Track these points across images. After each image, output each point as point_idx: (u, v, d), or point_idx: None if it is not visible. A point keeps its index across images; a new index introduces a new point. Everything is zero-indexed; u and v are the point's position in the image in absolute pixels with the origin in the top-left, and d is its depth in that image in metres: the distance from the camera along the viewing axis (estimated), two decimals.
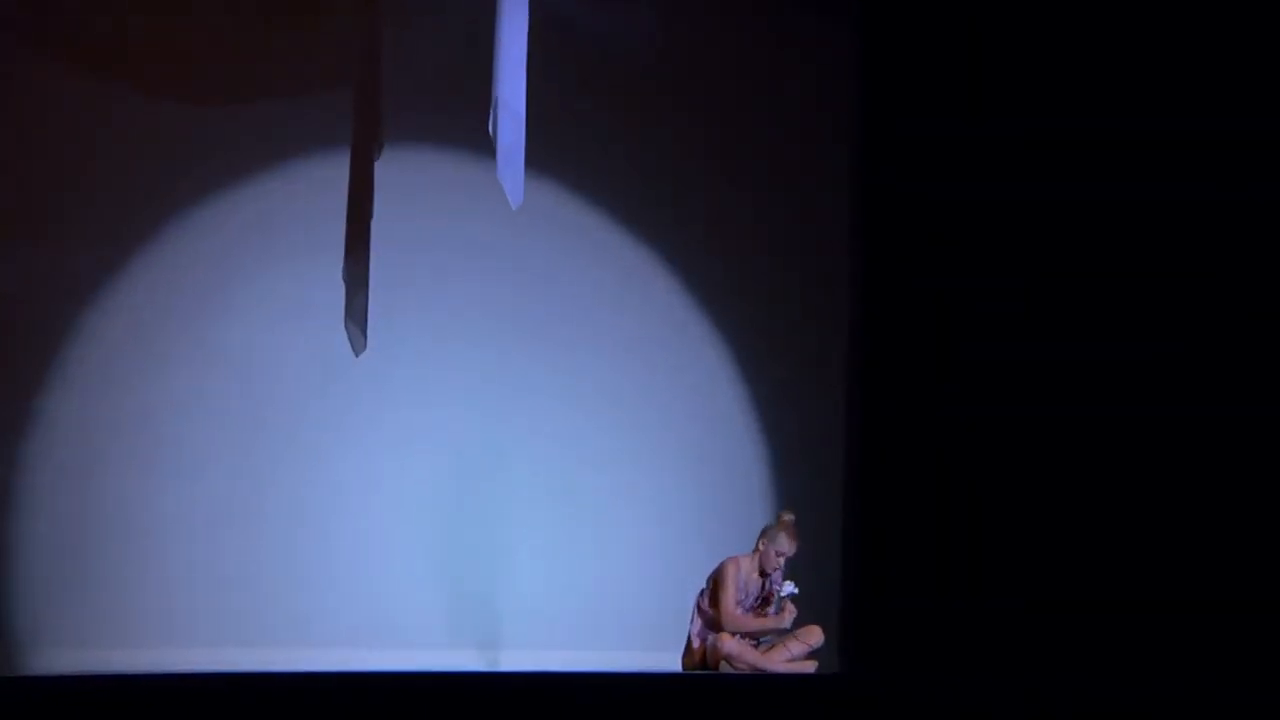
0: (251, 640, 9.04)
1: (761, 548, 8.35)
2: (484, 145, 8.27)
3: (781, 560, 8.33)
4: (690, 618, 8.47)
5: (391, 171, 9.02)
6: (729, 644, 8.31)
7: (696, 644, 8.45)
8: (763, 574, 8.39)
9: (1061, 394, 9.02)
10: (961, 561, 9.23)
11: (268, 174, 9.35)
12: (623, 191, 9.87)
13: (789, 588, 8.26)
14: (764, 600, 8.37)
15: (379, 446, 9.43)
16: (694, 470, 9.73)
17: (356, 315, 8.79)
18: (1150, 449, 8.87)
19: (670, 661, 8.63)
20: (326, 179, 9.21)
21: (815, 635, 8.45)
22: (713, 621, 8.39)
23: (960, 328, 9.28)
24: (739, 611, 8.20)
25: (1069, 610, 8.90)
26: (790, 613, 8.34)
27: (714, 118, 9.96)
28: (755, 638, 8.37)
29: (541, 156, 8.70)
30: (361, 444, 9.42)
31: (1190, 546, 8.73)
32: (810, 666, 8.44)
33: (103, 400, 9.07)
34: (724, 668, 8.38)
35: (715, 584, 8.33)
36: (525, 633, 9.29)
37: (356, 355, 8.91)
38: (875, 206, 9.61)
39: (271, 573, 9.18)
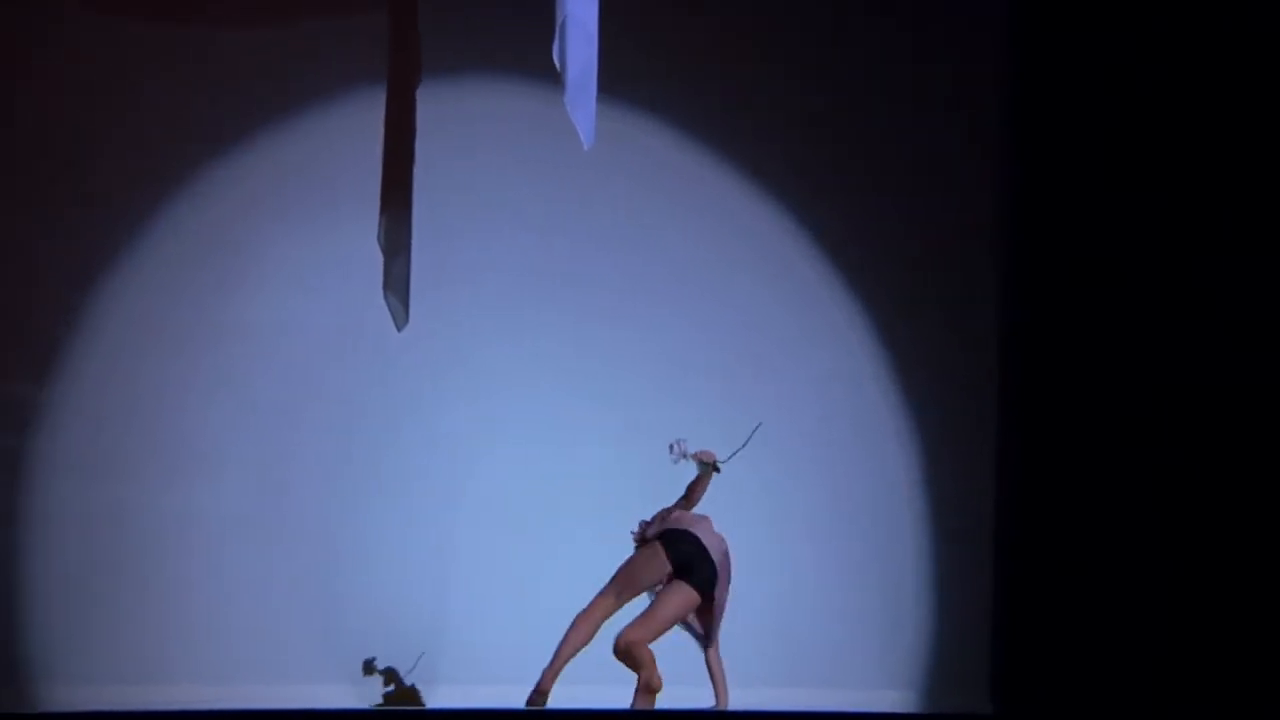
0: (288, 674, 8.70)
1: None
2: (549, 72, 7.61)
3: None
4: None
5: (436, 108, 8.50)
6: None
7: None
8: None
9: (1224, 403, 8.75)
10: (1129, 583, 8.78)
11: (286, 119, 8.98)
12: (724, 130, 9.26)
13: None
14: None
15: (430, 438, 8.95)
16: (820, 475, 9.16)
17: (397, 284, 8.36)
18: None
19: (791, 699, 8.44)
20: (357, 122, 8.77)
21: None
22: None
23: (1118, 331, 8.94)
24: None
25: (1253, 639, 8.57)
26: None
27: (838, 59, 9.39)
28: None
29: (620, 87, 8.37)
30: (408, 435, 8.96)
31: None
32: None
33: (111, 391, 8.82)
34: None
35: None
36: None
37: (399, 330, 8.38)
38: (1025, 198, 9.25)
39: (311, 591, 8.84)
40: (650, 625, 7.86)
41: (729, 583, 7.92)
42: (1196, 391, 8.87)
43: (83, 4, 8.86)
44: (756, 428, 8.07)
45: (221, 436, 8.83)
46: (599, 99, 7.58)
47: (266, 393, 8.92)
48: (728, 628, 8.17)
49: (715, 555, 7.88)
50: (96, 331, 8.84)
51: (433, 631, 8.87)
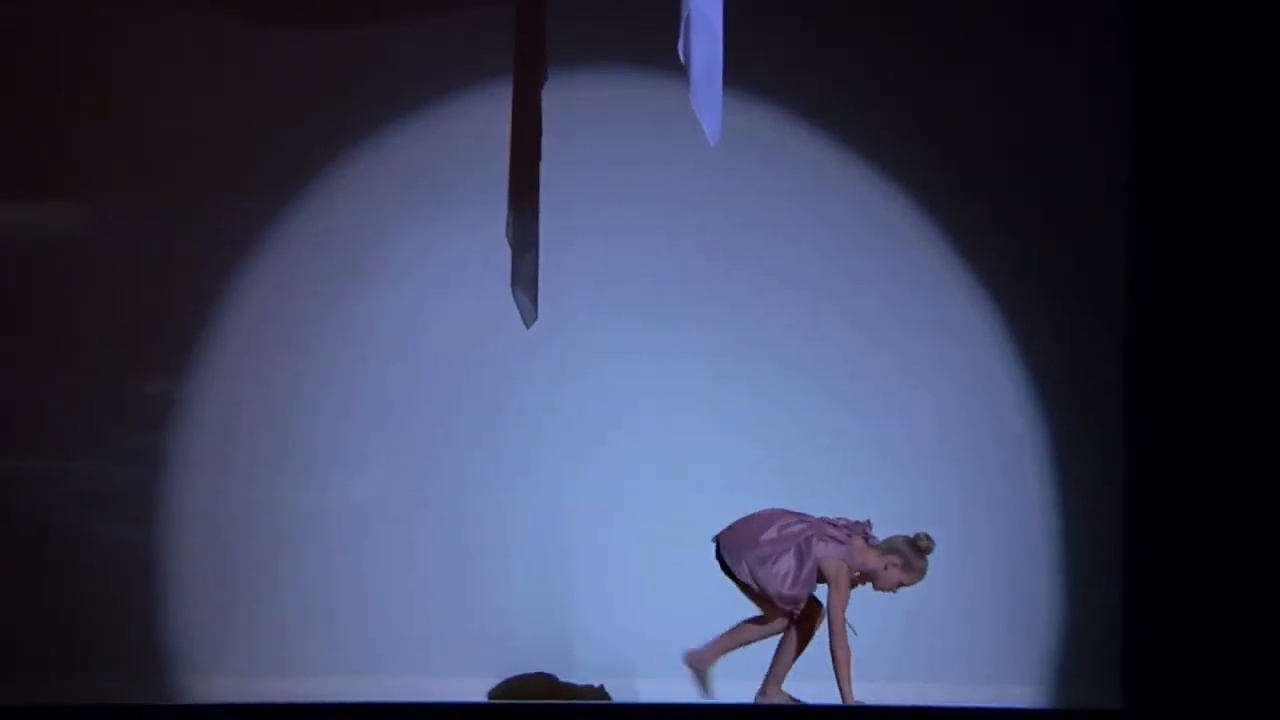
0: (421, 667, 8.69)
1: (887, 565, 7.77)
2: (674, 68, 7.55)
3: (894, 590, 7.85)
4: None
5: (562, 104, 8.37)
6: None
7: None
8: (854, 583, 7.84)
9: None
10: (1261, 577, 8.60)
11: (415, 116, 9.00)
12: (852, 126, 9.16)
13: None
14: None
15: (561, 434, 8.95)
16: (950, 471, 9.09)
17: (525, 281, 8.28)
18: None
19: (919, 694, 8.27)
20: (484, 118, 8.70)
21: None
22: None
23: (1249, 328, 8.80)
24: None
25: None
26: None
27: (967, 54, 9.29)
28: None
29: (746, 81, 8.32)
30: (539, 431, 8.96)
31: None
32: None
33: (246, 389, 8.89)
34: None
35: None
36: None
37: (527, 327, 8.29)
38: (1157, 200, 9.14)
39: (446, 586, 8.84)
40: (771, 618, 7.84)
41: (743, 560, 7.80)
42: None
43: (211, 8, 8.89)
44: None
45: (354, 433, 8.86)
46: (724, 95, 7.44)
47: (398, 389, 8.90)
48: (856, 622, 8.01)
49: (722, 539, 7.84)
50: (231, 329, 8.85)
51: (566, 625, 8.85)
